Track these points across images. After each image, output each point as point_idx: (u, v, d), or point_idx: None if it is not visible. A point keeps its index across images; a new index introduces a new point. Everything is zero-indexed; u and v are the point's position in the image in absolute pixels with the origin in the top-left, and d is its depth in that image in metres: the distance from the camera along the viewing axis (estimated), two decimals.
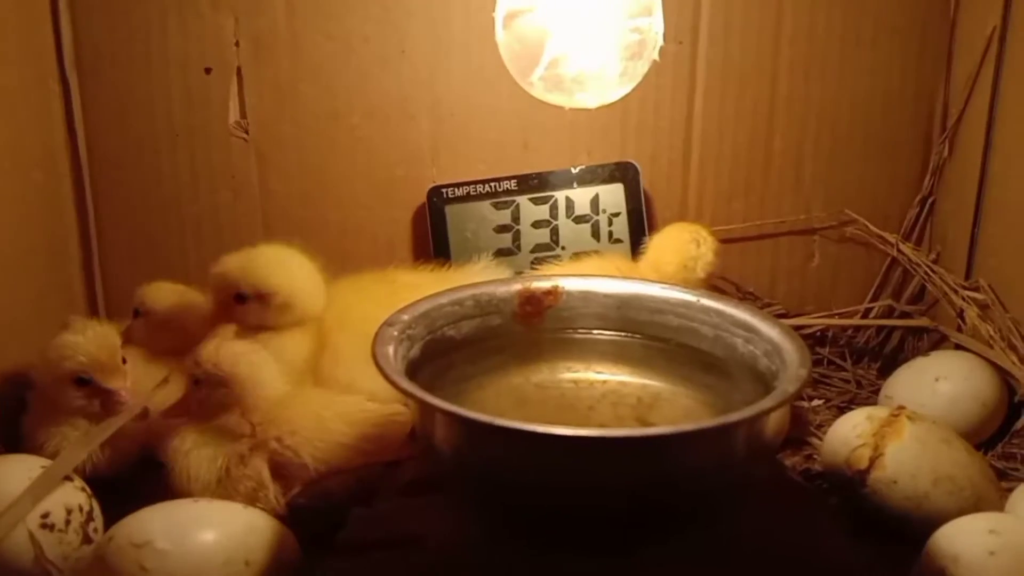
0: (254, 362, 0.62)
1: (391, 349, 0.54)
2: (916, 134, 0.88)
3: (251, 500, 0.58)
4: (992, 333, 0.77)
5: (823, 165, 0.88)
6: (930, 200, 0.89)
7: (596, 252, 0.83)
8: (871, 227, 0.87)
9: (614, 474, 0.46)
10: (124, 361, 0.64)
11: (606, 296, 0.65)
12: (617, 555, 0.49)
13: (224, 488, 0.58)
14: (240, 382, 0.61)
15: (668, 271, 0.77)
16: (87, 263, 0.83)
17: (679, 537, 0.51)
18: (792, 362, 0.52)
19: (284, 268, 0.68)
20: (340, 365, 0.67)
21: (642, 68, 0.66)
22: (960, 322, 0.82)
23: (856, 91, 0.87)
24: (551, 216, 0.84)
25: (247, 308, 0.67)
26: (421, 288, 0.71)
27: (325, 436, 0.62)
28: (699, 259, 0.77)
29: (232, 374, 0.60)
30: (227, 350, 0.61)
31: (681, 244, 0.78)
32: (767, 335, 0.57)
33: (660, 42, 0.66)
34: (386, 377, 0.50)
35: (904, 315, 0.89)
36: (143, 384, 0.65)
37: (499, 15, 0.68)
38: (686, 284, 0.71)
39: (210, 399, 0.61)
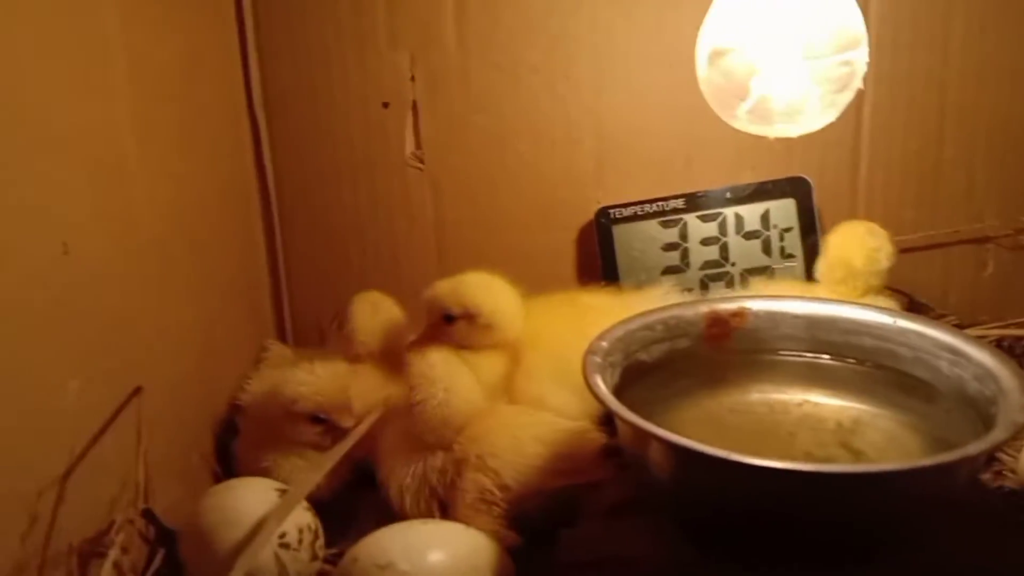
0: (446, 375, 0.65)
1: (599, 379, 0.56)
2: None
3: (477, 509, 0.61)
4: None
5: (995, 172, 0.86)
6: None
7: (768, 269, 0.84)
8: None
9: (837, 505, 0.47)
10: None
11: (795, 317, 0.66)
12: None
13: (435, 500, 0.63)
14: (436, 384, 0.64)
15: (856, 265, 0.77)
16: (275, 289, 0.88)
17: (887, 561, 0.52)
18: (1012, 389, 0.52)
19: (489, 291, 0.72)
20: (533, 382, 0.70)
21: (847, 98, 0.66)
22: None
23: None
24: (720, 233, 0.85)
25: (454, 328, 0.71)
26: (603, 309, 0.74)
27: (522, 457, 0.64)
28: (881, 249, 0.77)
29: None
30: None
31: (860, 237, 0.78)
32: (977, 359, 0.57)
33: (865, 70, 0.66)
34: (609, 408, 0.52)
35: None
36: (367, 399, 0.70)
37: (702, 53, 0.70)
38: (872, 279, 0.72)
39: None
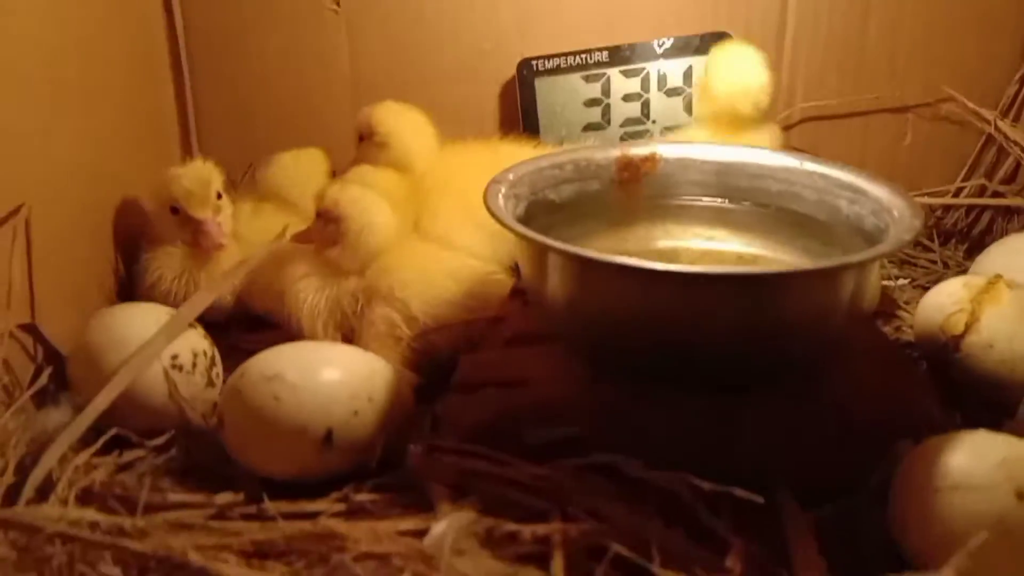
0: (368, 208, 0.66)
1: (501, 202, 0.56)
2: (1016, 8, 0.85)
3: (384, 343, 0.61)
4: None
5: (919, 41, 0.86)
6: None
7: None
8: (969, 104, 0.85)
9: (726, 310, 0.47)
10: (219, 197, 0.69)
11: (705, 163, 0.65)
12: (721, 395, 0.51)
13: (343, 329, 0.63)
14: (351, 222, 0.64)
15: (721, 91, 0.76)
16: (185, 139, 0.85)
17: (780, 383, 0.53)
18: (904, 216, 0.52)
19: (395, 115, 0.75)
20: (439, 221, 0.70)
21: None
22: None
23: None
24: (642, 89, 0.84)
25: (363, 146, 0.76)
26: (522, 157, 0.73)
27: (432, 291, 0.64)
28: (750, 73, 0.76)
29: (346, 214, 0.64)
30: (348, 192, 0.66)
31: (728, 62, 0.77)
32: (874, 194, 0.57)
33: None
34: (503, 223, 0.51)
35: (997, 194, 0.88)
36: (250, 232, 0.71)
37: None
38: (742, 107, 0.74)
39: (326, 233, 0.66)
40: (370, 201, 0.67)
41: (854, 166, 0.59)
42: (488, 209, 0.53)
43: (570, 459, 0.47)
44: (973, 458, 0.43)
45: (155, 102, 0.83)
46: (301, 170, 0.78)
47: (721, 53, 0.77)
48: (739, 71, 0.76)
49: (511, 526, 0.40)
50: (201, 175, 0.68)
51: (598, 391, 0.53)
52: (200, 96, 0.85)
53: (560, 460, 0.47)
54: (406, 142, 0.74)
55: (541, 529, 0.40)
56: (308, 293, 0.66)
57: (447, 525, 0.41)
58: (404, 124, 0.75)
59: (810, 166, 0.62)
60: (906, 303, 0.79)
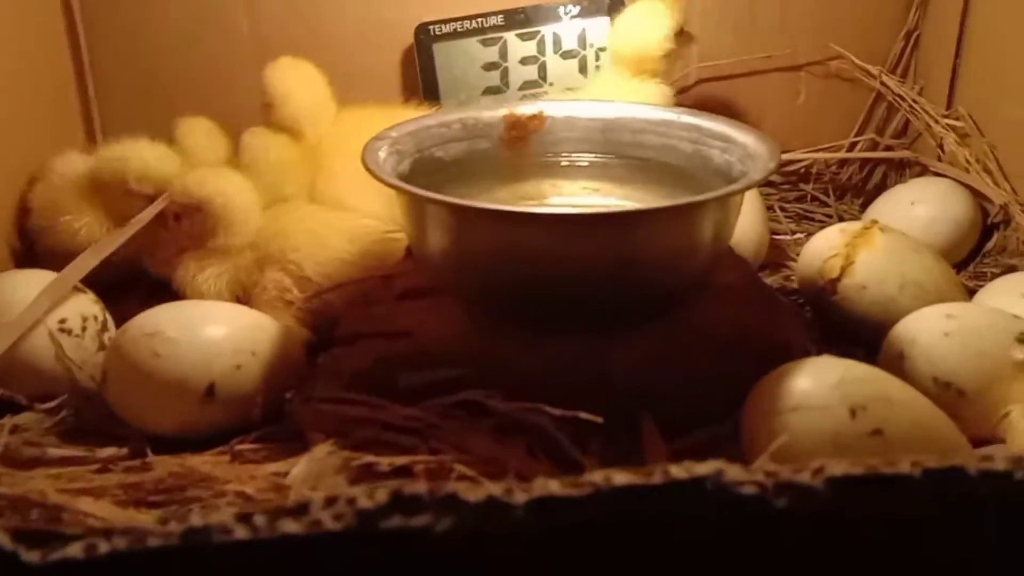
0: (221, 184, 0.65)
1: (381, 156, 0.57)
2: None
3: (274, 307, 0.62)
4: (969, 158, 0.79)
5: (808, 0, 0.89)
6: (916, 34, 0.89)
7: None
8: (856, 61, 0.88)
9: (589, 250, 0.49)
10: None
11: (590, 120, 0.67)
12: (593, 335, 0.52)
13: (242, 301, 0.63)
14: (212, 203, 0.64)
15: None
16: (86, 113, 0.85)
17: (651, 320, 0.55)
18: (762, 158, 0.55)
19: (286, 75, 0.73)
20: (332, 184, 0.70)
21: None
22: (940, 152, 0.84)
23: None
24: (538, 52, 0.85)
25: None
26: None
27: (326, 252, 0.65)
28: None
29: (202, 197, 0.64)
30: (194, 176, 0.65)
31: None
32: (741, 142, 0.59)
33: None
34: (375, 175, 0.53)
35: (887, 149, 0.91)
36: None
37: None
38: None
39: (194, 229, 0.65)
40: (215, 176, 0.66)
41: (738, 121, 0.62)
42: (364, 163, 0.54)
43: (441, 399, 0.48)
44: (812, 381, 0.46)
45: (53, 77, 0.82)
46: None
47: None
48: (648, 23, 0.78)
49: (370, 458, 0.41)
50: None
51: (475, 336, 0.55)
52: (100, 69, 0.84)
53: (433, 401, 0.49)
54: (297, 103, 0.73)
55: (400, 460, 0.42)
56: (209, 283, 0.66)
57: (307, 459, 0.42)
58: (295, 85, 0.73)
59: (686, 119, 0.64)
60: (797, 256, 0.82)
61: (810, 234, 0.87)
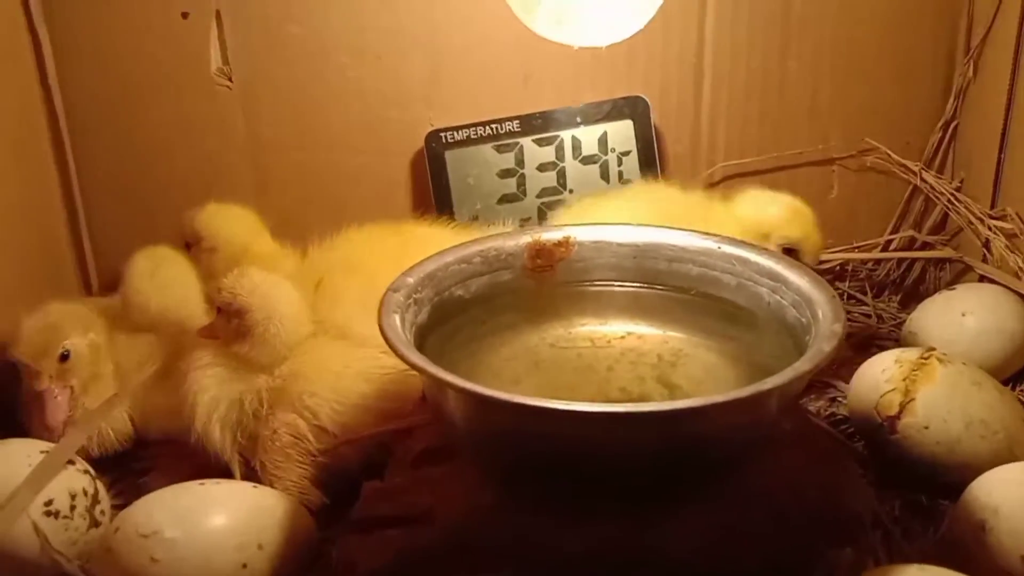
0: (269, 294, 0.61)
1: (398, 318, 0.51)
2: (939, 54, 0.83)
3: (286, 454, 0.57)
4: (1021, 264, 0.74)
5: (840, 90, 0.84)
6: (953, 124, 0.84)
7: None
8: (892, 155, 0.83)
9: (634, 446, 0.44)
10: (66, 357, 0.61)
11: (620, 245, 0.62)
12: (633, 518, 0.47)
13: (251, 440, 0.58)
14: (254, 313, 0.59)
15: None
16: (73, 224, 0.79)
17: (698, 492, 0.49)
18: (826, 317, 0.49)
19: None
20: (337, 308, 0.65)
21: (653, 3, 0.61)
22: (986, 252, 0.79)
23: (874, 8, 0.81)
24: (557, 158, 0.80)
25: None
26: (429, 240, 0.69)
27: (343, 398, 0.60)
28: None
29: (248, 304, 0.59)
30: (248, 279, 0.60)
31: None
32: (795, 284, 0.54)
33: None
34: (395, 351, 0.47)
35: (926, 246, 0.86)
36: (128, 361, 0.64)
37: None
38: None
39: (230, 328, 0.60)
40: (272, 286, 0.62)
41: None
42: (381, 331, 0.49)
43: None
44: None
45: (39, 191, 0.77)
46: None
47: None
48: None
49: None
50: (43, 337, 0.61)
51: (504, 515, 0.49)
52: (86, 178, 0.79)
53: None
54: (238, 242, 0.71)
55: None
56: (210, 385, 0.60)
57: None
58: (232, 224, 0.72)
59: (728, 249, 0.59)
60: (840, 366, 0.76)
61: (848, 336, 0.82)
